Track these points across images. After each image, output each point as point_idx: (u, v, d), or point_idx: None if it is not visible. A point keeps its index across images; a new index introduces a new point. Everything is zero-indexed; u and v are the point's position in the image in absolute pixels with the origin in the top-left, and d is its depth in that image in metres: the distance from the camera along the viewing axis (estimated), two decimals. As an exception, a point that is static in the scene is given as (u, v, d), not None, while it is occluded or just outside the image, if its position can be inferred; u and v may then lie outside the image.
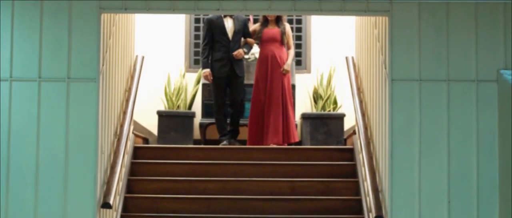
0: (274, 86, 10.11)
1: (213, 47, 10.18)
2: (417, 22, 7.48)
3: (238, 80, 10.23)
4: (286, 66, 10.14)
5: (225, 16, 10.19)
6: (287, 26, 10.38)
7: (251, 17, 10.96)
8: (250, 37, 10.37)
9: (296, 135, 10.25)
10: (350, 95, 10.04)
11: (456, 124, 7.39)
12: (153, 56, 11.40)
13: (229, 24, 10.17)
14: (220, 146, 10.03)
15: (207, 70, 10.14)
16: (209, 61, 10.15)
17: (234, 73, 10.16)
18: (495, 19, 7.44)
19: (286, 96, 10.14)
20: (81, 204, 7.35)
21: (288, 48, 10.33)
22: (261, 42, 10.32)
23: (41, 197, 7.31)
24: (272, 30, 10.26)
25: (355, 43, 10.34)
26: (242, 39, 10.38)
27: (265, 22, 10.33)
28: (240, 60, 10.24)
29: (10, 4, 7.42)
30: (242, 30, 10.27)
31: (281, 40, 10.24)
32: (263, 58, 10.23)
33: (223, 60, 10.13)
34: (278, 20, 10.29)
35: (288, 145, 10.13)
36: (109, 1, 7.52)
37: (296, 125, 10.53)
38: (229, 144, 10.15)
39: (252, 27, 10.47)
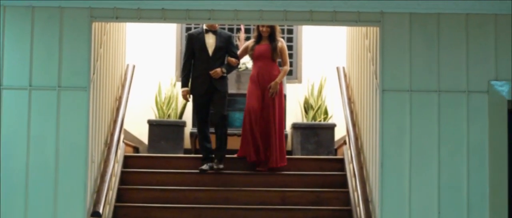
0: (264, 107, 9.69)
1: (194, 64, 9.67)
2: (408, 32, 7.48)
3: (220, 94, 9.60)
4: (273, 84, 9.65)
5: (207, 31, 9.61)
6: (282, 42, 9.88)
7: (242, 27, 10.94)
8: (235, 55, 9.75)
9: (285, 159, 9.72)
10: (341, 105, 10.04)
11: (446, 135, 7.38)
12: (144, 65, 11.38)
13: (210, 39, 9.61)
14: (198, 169, 9.49)
15: (185, 89, 9.71)
16: (189, 79, 9.67)
17: (215, 88, 9.57)
18: (486, 30, 7.45)
19: (276, 118, 9.67)
20: (71, 213, 7.31)
21: (283, 64, 9.85)
22: (253, 59, 9.91)
23: (31, 205, 7.28)
24: (263, 46, 9.80)
25: (346, 53, 10.36)
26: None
27: (259, 38, 9.87)
28: (221, 77, 9.59)
29: (1, 12, 7.40)
30: (225, 47, 9.66)
31: (272, 57, 9.77)
32: (253, 75, 9.81)
33: (201, 77, 9.54)
34: (271, 37, 9.82)
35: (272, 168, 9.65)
36: (100, 10, 7.50)
37: (286, 136, 10.42)
38: (210, 168, 9.47)
39: (246, 43, 10.04)
